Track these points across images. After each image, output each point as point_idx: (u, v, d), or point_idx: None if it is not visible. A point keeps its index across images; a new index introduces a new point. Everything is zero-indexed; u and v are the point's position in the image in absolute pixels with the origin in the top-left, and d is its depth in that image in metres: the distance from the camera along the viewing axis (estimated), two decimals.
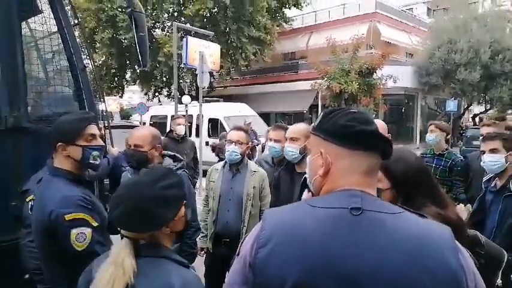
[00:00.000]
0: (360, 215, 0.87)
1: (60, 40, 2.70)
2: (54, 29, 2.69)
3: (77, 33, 2.97)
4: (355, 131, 0.94)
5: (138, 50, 2.92)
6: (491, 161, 2.57)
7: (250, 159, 3.23)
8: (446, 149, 3.69)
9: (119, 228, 1.18)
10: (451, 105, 17.38)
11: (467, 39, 18.22)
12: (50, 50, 2.76)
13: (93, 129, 1.83)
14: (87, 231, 1.59)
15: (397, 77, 16.23)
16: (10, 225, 2.10)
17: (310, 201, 0.96)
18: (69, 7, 2.91)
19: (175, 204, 1.23)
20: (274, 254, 0.87)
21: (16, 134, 2.31)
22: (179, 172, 2.37)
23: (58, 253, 1.60)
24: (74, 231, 1.56)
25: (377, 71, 15.97)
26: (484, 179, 2.81)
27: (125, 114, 29.00)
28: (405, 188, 1.50)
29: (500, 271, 1.58)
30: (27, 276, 1.91)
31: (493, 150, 2.58)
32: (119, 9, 17.31)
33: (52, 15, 2.64)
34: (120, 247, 1.15)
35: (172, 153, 2.60)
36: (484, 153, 2.65)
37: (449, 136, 3.83)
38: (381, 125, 2.54)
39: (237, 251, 0.99)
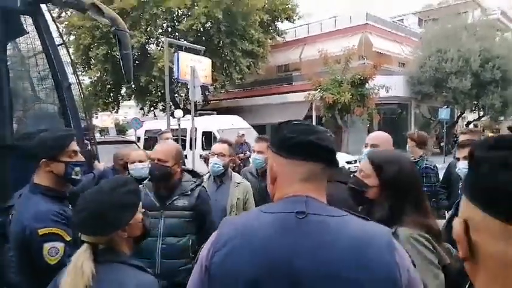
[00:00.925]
0: (305, 218, 0.94)
1: (45, 59, 2.78)
2: (40, 48, 2.77)
3: (65, 52, 3.06)
4: (293, 142, 1.01)
5: (122, 67, 3.00)
6: (465, 167, 2.64)
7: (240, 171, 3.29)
8: (421, 157, 3.77)
9: (79, 234, 1.25)
10: (444, 113, 17.54)
11: (457, 49, 18.50)
12: (35, 70, 2.83)
13: (75, 145, 1.90)
14: (60, 245, 1.63)
15: (389, 86, 16.39)
16: None
17: (262, 208, 1.04)
18: (55, 27, 2.99)
19: (130, 209, 1.31)
20: (228, 257, 0.94)
21: (1, 152, 2.36)
22: (198, 188, 2.40)
23: (33, 267, 1.64)
24: (46, 246, 1.61)
25: (369, 81, 16.15)
26: (461, 185, 2.88)
27: (121, 129, 29.11)
28: (392, 191, 1.54)
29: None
30: None
31: (466, 157, 2.65)
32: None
33: (37, 36, 2.72)
34: (79, 252, 1.23)
35: (191, 169, 2.62)
36: (459, 160, 2.72)
37: (426, 145, 3.90)
38: (385, 137, 2.57)
39: (195, 258, 1.06)
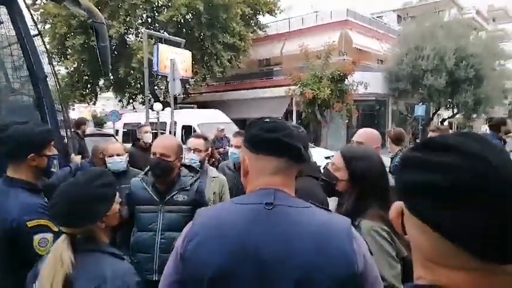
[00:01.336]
0: (272, 209, 1.01)
1: (20, 50, 2.73)
2: (14, 39, 2.72)
3: (40, 42, 3.01)
4: (260, 139, 1.08)
5: (99, 59, 2.98)
6: None
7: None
8: (397, 153, 3.91)
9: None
10: (419, 110, 18.02)
11: (433, 47, 18.96)
12: (10, 60, 2.78)
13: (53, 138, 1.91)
14: (49, 236, 1.66)
15: (368, 83, 16.67)
16: None
17: (235, 200, 1.11)
18: (30, 17, 2.93)
19: (107, 201, 1.36)
20: (200, 246, 1.00)
21: None
22: (196, 183, 2.38)
23: (17, 259, 1.65)
24: (37, 237, 1.63)
25: (349, 77, 16.38)
26: None
27: (99, 122, 28.54)
28: (360, 185, 1.63)
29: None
30: None
31: None
32: None
33: (12, 26, 2.68)
34: (58, 242, 1.27)
35: (188, 164, 2.59)
36: None
37: (403, 141, 4.05)
38: (372, 135, 2.66)
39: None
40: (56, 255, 1.23)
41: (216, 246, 0.99)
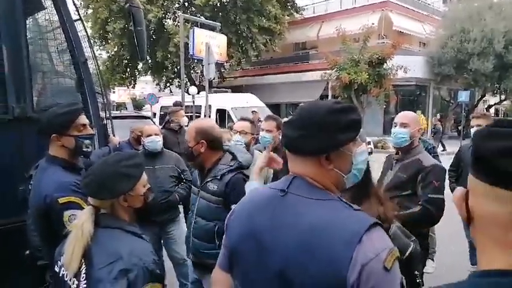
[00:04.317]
0: (284, 196, 1.01)
1: (62, 34, 2.85)
2: (57, 24, 2.84)
3: (81, 27, 3.13)
4: (285, 136, 1.05)
5: (136, 44, 3.06)
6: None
7: None
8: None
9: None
10: (463, 96, 17.14)
11: (481, 29, 17.85)
12: (53, 44, 2.92)
13: (83, 119, 2.00)
14: (79, 213, 1.76)
15: (408, 67, 16.02)
16: (19, 207, 2.26)
17: (271, 183, 1.19)
18: (71, 2, 3.05)
19: (131, 180, 1.43)
20: (231, 223, 1.14)
21: (22, 123, 2.48)
22: (230, 175, 2.18)
23: (51, 232, 1.78)
24: (67, 213, 1.73)
25: (388, 61, 15.80)
26: None
27: (138, 105, 29.47)
28: None
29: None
30: (27, 252, 2.09)
31: (479, 125, 2.70)
32: None
33: (55, 11, 2.79)
34: (83, 212, 1.38)
35: (233, 151, 2.35)
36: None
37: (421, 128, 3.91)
38: (414, 116, 2.64)
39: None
40: (77, 226, 1.32)
41: (237, 225, 1.10)
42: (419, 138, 2.75)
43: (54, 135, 1.90)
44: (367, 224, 0.90)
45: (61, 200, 1.74)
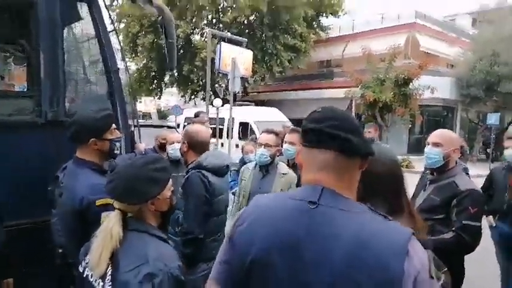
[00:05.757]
0: (315, 208, 0.96)
1: (97, 45, 2.97)
2: (92, 34, 2.97)
3: (115, 39, 3.26)
4: (306, 129, 1.04)
5: (166, 55, 3.16)
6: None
7: None
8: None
9: (112, 200, 1.41)
10: (493, 119, 16.63)
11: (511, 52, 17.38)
12: (87, 53, 3.04)
13: (113, 123, 2.06)
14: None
15: (435, 87, 15.73)
16: (48, 207, 2.32)
17: (289, 193, 1.11)
18: (107, 15, 3.18)
19: (158, 184, 1.43)
20: (246, 231, 1.03)
21: (54, 127, 2.58)
22: (192, 172, 2.46)
23: (83, 233, 1.81)
24: (104, 214, 1.77)
25: (414, 81, 15.59)
26: None
27: (163, 115, 30.12)
28: (369, 186, 1.43)
29: None
30: (60, 250, 2.14)
31: None
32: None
33: (91, 22, 2.92)
34: (111, 216, 1.38)
35: (208, 156, 2.62)
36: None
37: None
38: (449, 136, 2.48)
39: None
40: (106, 229, 1.32)
41: (258, 234, 0.99)
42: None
43: (92, 139, 1.95)
44: (409, 235, 0.91)
45: (98, 202, 1.79)
